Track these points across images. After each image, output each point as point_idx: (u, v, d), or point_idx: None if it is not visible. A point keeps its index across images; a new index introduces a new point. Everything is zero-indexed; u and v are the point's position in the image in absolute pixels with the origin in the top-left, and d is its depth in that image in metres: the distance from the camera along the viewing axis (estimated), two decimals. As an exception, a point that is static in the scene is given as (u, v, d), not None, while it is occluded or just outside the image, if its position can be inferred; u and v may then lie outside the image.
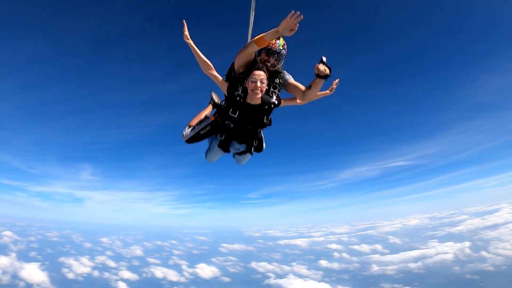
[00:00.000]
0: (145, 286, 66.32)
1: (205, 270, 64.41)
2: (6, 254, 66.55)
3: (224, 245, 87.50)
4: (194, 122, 3.67)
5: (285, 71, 3.50)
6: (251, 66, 3.18)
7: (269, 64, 3.20)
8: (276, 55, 3.18)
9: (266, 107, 3.21)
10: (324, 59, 2.99)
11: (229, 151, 3.56)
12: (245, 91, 3.11)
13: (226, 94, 3.20)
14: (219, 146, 3.46)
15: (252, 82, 3.01)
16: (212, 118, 3.44)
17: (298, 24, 2.66)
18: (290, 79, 3.46)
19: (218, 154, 3.66)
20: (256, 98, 3.10)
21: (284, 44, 3.21)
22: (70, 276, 62.65)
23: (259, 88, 3.01)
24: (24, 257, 68.29)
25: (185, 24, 2.94)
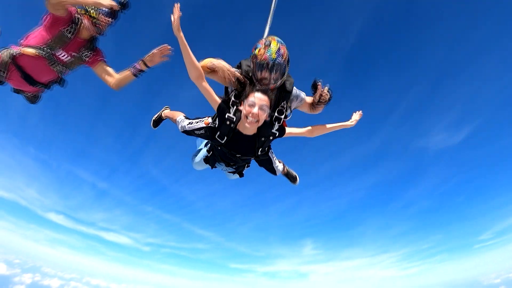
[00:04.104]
0: None
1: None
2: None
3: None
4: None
5: (296, 88, 2.68)
6: (251, 83, 2.45)
7: (267, 83, 2.36)
8: (269, 68, 2.31)
9: (263, 139, 2.45)
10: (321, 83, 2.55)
11: (214, 167, 3.02)
12: (238, 115, 2.34)
13: (216, 113, 2.45)
14: (204, 160, 2.98)
15: (249, 106, 2.24)
16: (206, 123, 2.64)
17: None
18: (306, 97, 2.74)
19: (203, 166, 3.13)
20: (249, 129, 2.36)
21: (279, 49, 2.32)
22: None
23: (256, 117, 2.23)
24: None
25: (178, 9, 2.15)
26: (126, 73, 2.91)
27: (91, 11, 2.62)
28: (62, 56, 2.74)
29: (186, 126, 2.83)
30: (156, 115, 3.41)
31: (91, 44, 2.84)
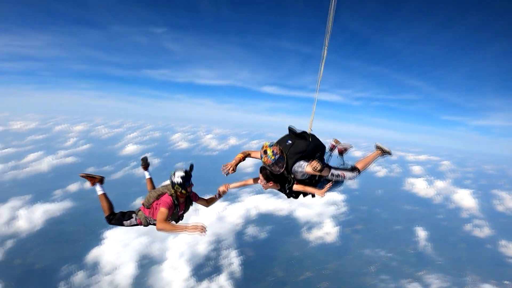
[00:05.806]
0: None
1: None
2: (442, 179, 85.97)
3: None
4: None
5: (296, 165, 3.61)
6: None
7: (273, 170, 3.58)
8: (267, 167, 3.57)
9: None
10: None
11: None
12: None
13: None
14: None
15: None
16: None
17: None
18: (306, 165, 3.57)
19: None
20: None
21: (266, 160, 3.43)
22: (500, 208, 71.27)
23: (261, 184, 3.73)
24: (458, 183, 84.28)
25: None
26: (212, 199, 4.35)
27: (182, 191, 3.61)
28: (179, 214, 3.93)
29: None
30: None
31: (188, 198, 3.96)
